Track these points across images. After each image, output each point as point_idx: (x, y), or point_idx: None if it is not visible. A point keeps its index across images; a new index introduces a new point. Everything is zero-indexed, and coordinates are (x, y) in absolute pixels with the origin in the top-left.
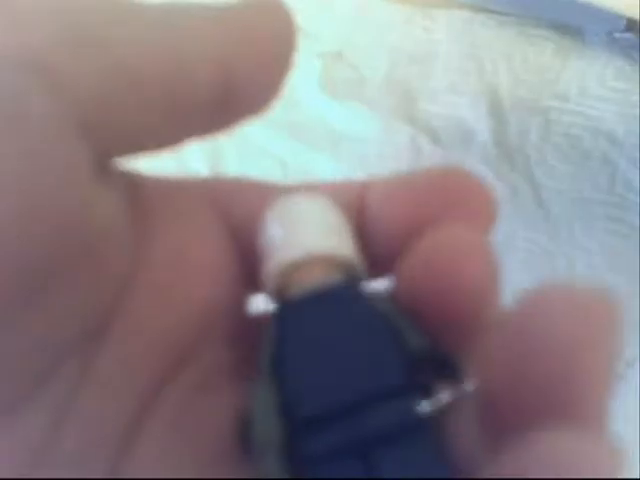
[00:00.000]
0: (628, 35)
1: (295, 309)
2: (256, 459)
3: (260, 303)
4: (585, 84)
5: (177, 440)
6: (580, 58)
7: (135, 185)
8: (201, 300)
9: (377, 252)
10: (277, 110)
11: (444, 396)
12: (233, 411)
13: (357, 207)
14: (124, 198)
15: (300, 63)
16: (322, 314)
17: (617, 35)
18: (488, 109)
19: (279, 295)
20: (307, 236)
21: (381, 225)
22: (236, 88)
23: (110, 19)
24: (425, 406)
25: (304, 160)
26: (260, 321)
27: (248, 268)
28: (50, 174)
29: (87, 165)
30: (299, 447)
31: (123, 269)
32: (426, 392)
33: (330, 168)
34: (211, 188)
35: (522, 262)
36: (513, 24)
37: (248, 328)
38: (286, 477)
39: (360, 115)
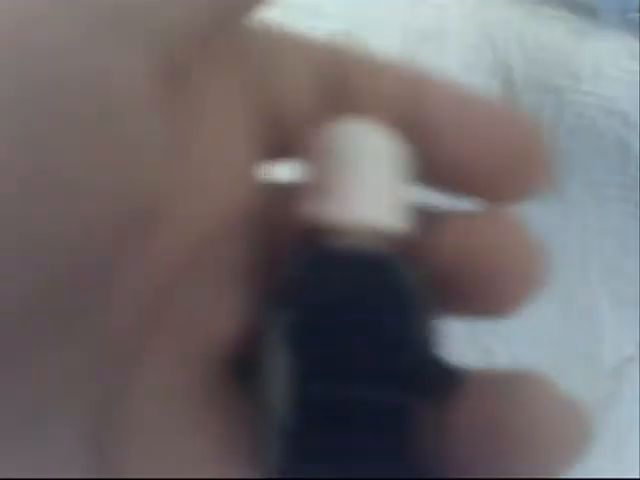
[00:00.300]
0: None
1: (325, 265)
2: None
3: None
4: (599, 64)
5: (178, 346)
6: (594, 38)
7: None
8: (227, 200)
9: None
10: None
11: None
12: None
13: (409, 110)
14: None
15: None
16: (350, 281)
17: (631, 15)
18: (501, 88)
19: (316, 232)
20: (354, 201)
21: (440, 146)
22: None
23: None
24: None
25: None
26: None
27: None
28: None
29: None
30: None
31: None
32: (422, 395)
33: None
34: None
35: None
36: (525, 2)
37: (271, 231)
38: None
39: None
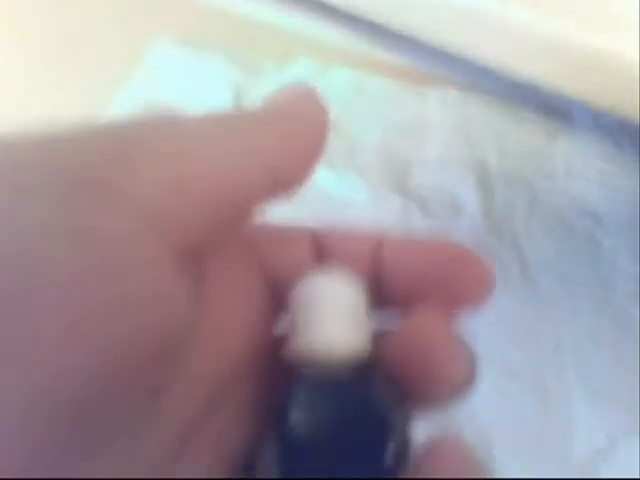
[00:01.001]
0: (614, 118)
1: (308, 390)
2: None
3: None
4: (571, 164)
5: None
6: (567, 139)
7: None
8: (241, 348)
9: (388, 294)
10: None
11: None
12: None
13: (371, 258)
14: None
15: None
16: (330, 401)
17: (603, 118)
18: (476, 182)
19: (299, 366)
20: (326, 331)
21: (393, 279)
22: (282, 182)
23: (154, 134)
24: None
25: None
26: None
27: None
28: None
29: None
30: None
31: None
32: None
33: None
34: (253, 238)
35: (510, 338)
36: (503, 103)
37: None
38: None
39: (353, 183)
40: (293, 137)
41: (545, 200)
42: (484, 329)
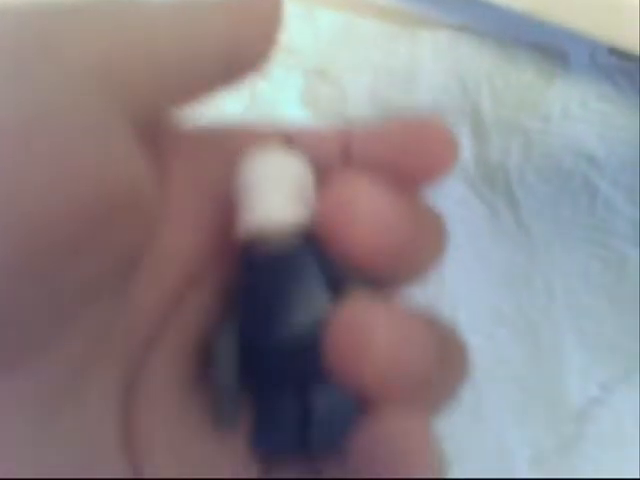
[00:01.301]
0: (611, 59)
1: (257, 266)
2: (215, 377)
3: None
4: (567, 106)
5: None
6: (563, 80)
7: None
8: (208, 231)
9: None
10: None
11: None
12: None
13: (341, 152)
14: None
15: (283, 80)
16: (278, 273)
17: (600, 58)
18: (470, 128)
19: (247, 245)
20: (270, 204)
21: (362, 163)
22: (239, 57)
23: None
24: None
25: None
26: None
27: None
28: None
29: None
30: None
31: (153, 210)
32: None
33: None
34: (217, 135)
35: (500, 283)
36: (496, 45)
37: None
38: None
39: None
40: (245, 23)
41: (540, 144)
42: (475, 276)
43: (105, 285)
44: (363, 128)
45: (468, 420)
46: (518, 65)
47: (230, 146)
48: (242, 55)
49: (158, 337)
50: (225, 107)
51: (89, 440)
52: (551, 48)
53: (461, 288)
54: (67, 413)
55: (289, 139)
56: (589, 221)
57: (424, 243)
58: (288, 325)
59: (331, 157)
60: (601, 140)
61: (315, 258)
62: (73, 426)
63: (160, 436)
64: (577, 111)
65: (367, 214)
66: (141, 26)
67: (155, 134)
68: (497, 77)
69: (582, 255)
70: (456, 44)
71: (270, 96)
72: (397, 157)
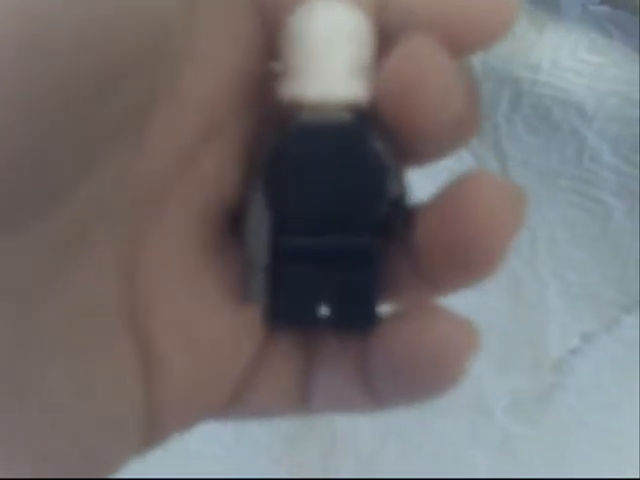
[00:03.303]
0: (603, 8)
1: (299, 135)
2: (246, 243)
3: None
4: (557, 56)
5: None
6: (555, 30)
7: None
8: (234, 72)
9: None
10: None
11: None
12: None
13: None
14: None
15: None
16: (321, 146)
17: (592, 7)
18: None
19: (292, 109)
20: (322, 76)
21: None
22: None
23: None
24: (378, 248)
25: None
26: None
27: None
28: None
29: None
30: (278, 243)
31: (180, 48)
32: (384, 231)
33: None
34: None
35: None
36: None
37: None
38: (265, 261)
39: None
40: None
41: (529, 94)
42: None
43: (123, 132)
44: None
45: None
46: None
47: None
48: None
49: (171, 195)
50: None
51: (89, 310)
52: None
53: None
54: (65, 278)
55: None
56: (575, 172)
57: (473, 109)
58: (330, 203)
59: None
60: (590, 91)
61: (374, 132)
62: (71, 295)
63: (167, 309)
64: (567, 61)
65: (434, 84)
66: None
67: None
68: None
69: (567, 206)
70: None
71: None
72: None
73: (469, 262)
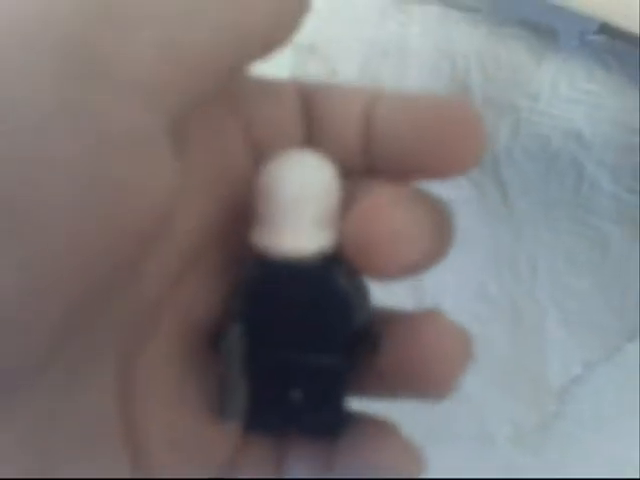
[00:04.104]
0: (601, 37)
1: (273, 270)
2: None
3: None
4: (556, 85)
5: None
6: (553, 59)
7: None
8: (221, 201)
9: (378, 154)
10: None
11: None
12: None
13: (364, 114)
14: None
15: (273, 56)
16: (293, 283)
17: (590, 37)
18: None
19: (259, 248)
20: (290, 232)
21: (384, 142)
22: (263, 45)
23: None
24: (344, 367)
25: None
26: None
27: None
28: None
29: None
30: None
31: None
32: (350, 355)
33: None
34: (238, 96)
35: (485, 260)
36: (486, 22)
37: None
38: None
39: None
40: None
41: (529, 123)
42: (459, 256)
43: (118, 283)
44: (390, 95)
45: (449, 397)
46: (508, 43)
47: (246, 107)
48: (280, 29)
49: (156, 321)
50: None
51: (89, 436)
52: (541, 26)
53: (446, 266)
54: (65, 414)
55: (306, 97)
56: (574, 200)
57: (442, 247)
58: (302, 331)
59: (353, 119)
60: (589, 120)
61: (339, 273)
62: (71, 426)
63: (157, 422)
64: (566, 90)
65: (393, 236)
66: (177, 23)
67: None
68: (486, 55)
69: (566, 234)
70: (446, 20)
71: (260, 71)
72: (422, 134)
73: (423, 388)
